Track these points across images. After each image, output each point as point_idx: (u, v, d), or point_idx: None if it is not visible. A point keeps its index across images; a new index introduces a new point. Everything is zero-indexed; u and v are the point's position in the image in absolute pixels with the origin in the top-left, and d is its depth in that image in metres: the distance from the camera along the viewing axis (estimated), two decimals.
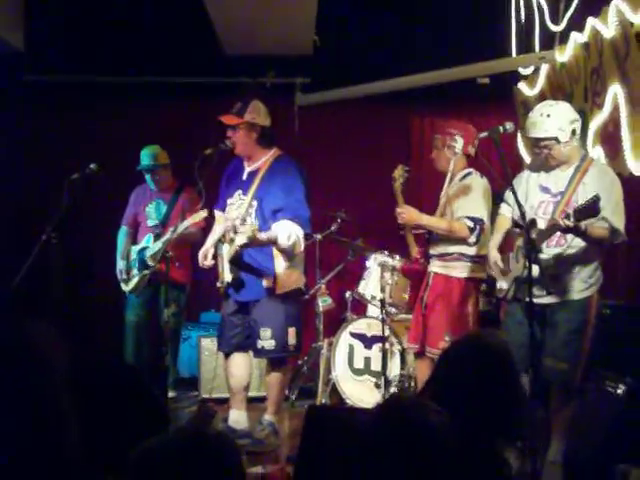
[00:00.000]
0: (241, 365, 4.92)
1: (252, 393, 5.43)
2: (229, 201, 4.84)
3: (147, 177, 6.25)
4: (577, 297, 4.14)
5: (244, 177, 4.84)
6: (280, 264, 4.72)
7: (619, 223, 3.98)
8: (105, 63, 6.91)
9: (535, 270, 3.83)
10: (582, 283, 4.14)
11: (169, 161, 6.29)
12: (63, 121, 7.06)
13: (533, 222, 3.99)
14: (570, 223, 3.74)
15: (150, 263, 5.92)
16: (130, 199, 6.35)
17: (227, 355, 4.97)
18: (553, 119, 4.07)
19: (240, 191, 4.79)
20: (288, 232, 4.54)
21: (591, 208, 3.70)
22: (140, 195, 6.34)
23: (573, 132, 4.10)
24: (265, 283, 4.71)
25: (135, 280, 6.05)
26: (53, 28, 6.76)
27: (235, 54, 6.86)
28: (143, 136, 6.47)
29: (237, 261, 4.69)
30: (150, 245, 6.00)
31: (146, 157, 6.22)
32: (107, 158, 5.56)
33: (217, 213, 5.02)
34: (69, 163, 5.23)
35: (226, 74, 6.93)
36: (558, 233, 4.01)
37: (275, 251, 4.70)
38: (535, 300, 3.84)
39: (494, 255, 4.32)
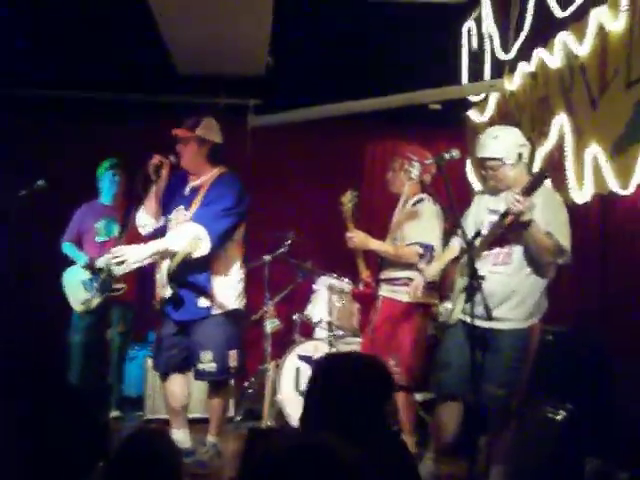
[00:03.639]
0: (180, 385, 4.86)
1: (195, 414, 5.42)
2: (169, 216, 4.79)
3: (106, 181, 6.23)
4: (521, 325, 4.15)
5: (186, 192, 4.79)
6: (218, 283, 4.69)
7: (565, 242, 4.00)
8: (59, 79, 6.84)
9: (477, 296, 3.87)
10: (527, 311, 4.16)
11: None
12: (17, 135, 6.96)
13: (478, 233, 4.05)
14: (519, 197, 3.78)
15: (116, 285, 5.92)
16: (74, 216, 6.22)
17: (164, 375, 4.91)
18: (500, 141, 4.15)
19: (182, 206, 4.74)
20: (191, 236, 4.51)
21: (538, 179, 3.81)
22: (87, 212, 6.24)
23: (519, 156, 4.15)
24: (202, 302, 4.67)
25: (96, 301, 5.96)
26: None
27: (188, 73, 6.86)
28: (94, 153, 6.42)
29: (175, 277, 4.63)
30: (113, 267, 5.89)
31: (107, 160, 6.24)
32: (57, 174, 5.51)
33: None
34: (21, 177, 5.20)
35: (178, 93, 6.92)
36: (505, 249, 4.09)
37: (213, 269, 4.67)
38: (478, 323, 3.86)
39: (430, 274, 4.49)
